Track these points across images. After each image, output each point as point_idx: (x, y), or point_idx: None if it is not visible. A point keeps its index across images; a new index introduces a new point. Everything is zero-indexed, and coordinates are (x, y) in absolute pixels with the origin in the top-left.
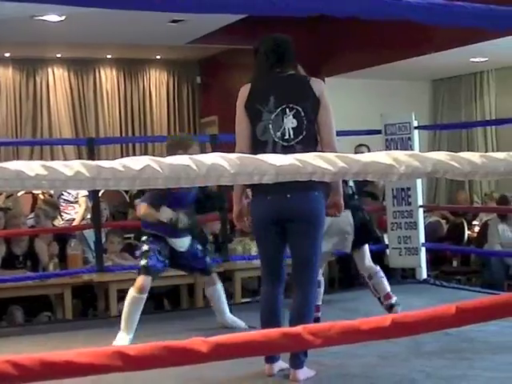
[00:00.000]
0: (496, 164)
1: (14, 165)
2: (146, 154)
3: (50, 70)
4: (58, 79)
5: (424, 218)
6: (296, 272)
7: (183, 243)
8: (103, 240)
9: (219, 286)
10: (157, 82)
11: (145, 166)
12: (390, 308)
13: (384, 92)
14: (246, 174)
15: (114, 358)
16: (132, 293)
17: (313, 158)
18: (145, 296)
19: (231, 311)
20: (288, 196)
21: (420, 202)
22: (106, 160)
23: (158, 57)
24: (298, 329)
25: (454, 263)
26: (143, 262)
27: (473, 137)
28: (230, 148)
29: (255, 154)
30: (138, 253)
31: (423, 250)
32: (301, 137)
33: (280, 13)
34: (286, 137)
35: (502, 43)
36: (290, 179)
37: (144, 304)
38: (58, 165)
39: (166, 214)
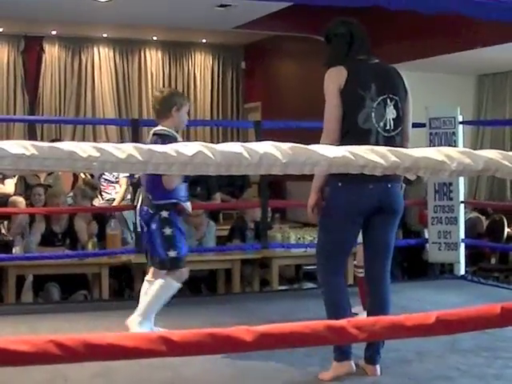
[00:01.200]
0: None
1: (66, 145)
2: (187, 137)
3: (95, 49)
4: (103, 59)
5: (464, 213)
6: (378, 261)
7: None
8: None
9: None
10: (201, 65)
11: (197, 151)
12: None
13: (429, 85)
14: (297, 164)
15: (158, 343)
16: (168, 281)
17: (365, 152)
18: (179, 285)
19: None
20: (389, 186)
21: (462, 198)
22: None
23: (204, 40)
24: (343, 322)
25: (493, 260)
26: (172, 253)
27: None
28: (272, 135)
29: (355, 141)
30: (158, 239)
31: (462, 245)
32: (400, 128)
33: (330, 2)
34: (388, 127)
35: None
36: (342, 171)
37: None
38: (110, 147)
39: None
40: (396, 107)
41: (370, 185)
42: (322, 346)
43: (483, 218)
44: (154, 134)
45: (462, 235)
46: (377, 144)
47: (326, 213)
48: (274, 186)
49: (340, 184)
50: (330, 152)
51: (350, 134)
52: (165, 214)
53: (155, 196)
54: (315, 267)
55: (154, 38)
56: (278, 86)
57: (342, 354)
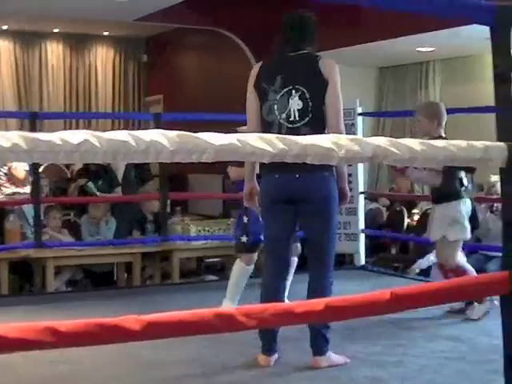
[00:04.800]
0: (435, 151)
1: None
2: (89, 130)
3: None
4: (3, 51)
5: (364, 204)
6: (312, 253)
7: None
8: (42, 216)
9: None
10: (103, 58)
11: (83, 140)
12: (468, 303)
13: None
14: (184, 151)
15: (45, 334)
16: (240, 263)
17: (253, 139)
18: (252, 267)
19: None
20: (297, 176)
21: (361, 189)
22: None
23: (106, 33)
24: (232, 310)
25: (393, 251)
26: (244, 238)
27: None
28: (173, 127)
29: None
30: (238, 223)
31: (362, 236)
32: (307, 119)
33: None
34: (291, 118)
35: (449, 34)
36: (230, 159)
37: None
38: None
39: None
40: (302, 98)
41: (275, 175)
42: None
43: (384, 209)
44: None
45: (362, 226)
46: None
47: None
48: (176, 178)
49: (261, 174)
50: (217, 140)
51: (261, 126)
52: None
53: None
54: (217, 260)
55: (56, 31)
56: (180, 78)
57: (263, 347)
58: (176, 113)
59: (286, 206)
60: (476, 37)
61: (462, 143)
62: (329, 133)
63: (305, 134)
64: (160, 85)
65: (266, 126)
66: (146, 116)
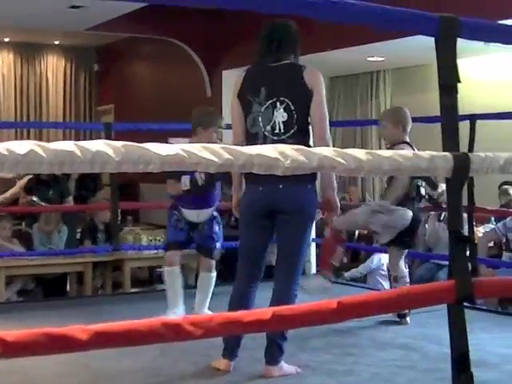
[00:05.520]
0: (381, 161)
1: None
2: (40, 139)
3: None
4: None
5: (317, 213)
6: (281, 262)
7: (198, 215)
8: None
9: (213, 275)
10: (54, 67)
11: (29, 150)
12: (403, 316)
13: None
14: (131, 162)
15: None
16: (165, 268)
17: (198, 149)
18: (176, 268)
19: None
20: (280, 187)
21: None
22: None
23: (57, 42)
24: (179, 319)
25: (344, 259)
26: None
27: (367, 135)
28: (124, 137)
29: (248, 145)
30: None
31: (313, 245)
32: (292, 131)
33: (175, 3)
34: (277, 131)
35: (399, 44)
36: (176, 169)
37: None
38: None
39: (185, 181)
40: (287, 110)
41: (260, 187)
42: (176, 347)
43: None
44: None
45: (313, 235)
46: None
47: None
48: (127, 188)
49: (244, 186)
50: (163, 150)
51: (246, 138)
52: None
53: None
54: None
55: (6, 40)
56: (131, 88)
57: (224, 351)
58: (127, 123)
59: (267, 218)
60: (424, 47)
61: (408, 153)
62: (315, 145)
63: None
64: (111, 94)
65: (251, 138)
66: (96, 126)
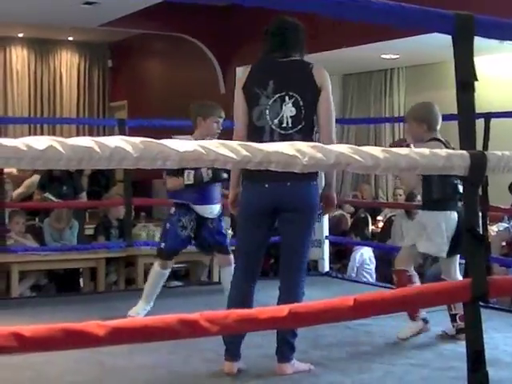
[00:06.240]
0: (398, 159)
1: None
2: (53, 135)
3: None
4: None
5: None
6: (286, 260)
7: (211, 209)
8: (6, 220)
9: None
10: (68, 63)
11: (48, 146)
12: (460, 330)
13: None
14: (149, 158)
15: (9, 339)
16: (156, 267)
17: (216, 146)
18: (167, 272)
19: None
20: (288, 184)
21: None
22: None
23: (71, 38)
24: (196, 315)
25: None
26: (161, 244)
27: (381, 133)
28: (138, 133)
29: (252, 139)
30: (160, 231)
31: (326, 242)
32: (300, 126)
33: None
34: (284, 125)
35: (413, 41)
36: (194, 165)
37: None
38: None
39: (189, 175)
40: (296, 105)
41: (265, 184)
42: (185, 344)
43: (348, 215)
44: None
45: (326, 232)
46: (272, 141)
47: (238, 211)
48: (140, 184)
49: (244, 183)
50: (181, 146)
51: (249, 131)
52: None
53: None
54: (181, 265)
55: (20, 35)
56: (145, 84)
57: (226, 353)
58: (140, 119)
59: (269, 216)
60: (440, 44)
61: (425, 151)
62: (321, 142)
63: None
64: (125, 90)
65: (257, 131)
66: (110, 121)
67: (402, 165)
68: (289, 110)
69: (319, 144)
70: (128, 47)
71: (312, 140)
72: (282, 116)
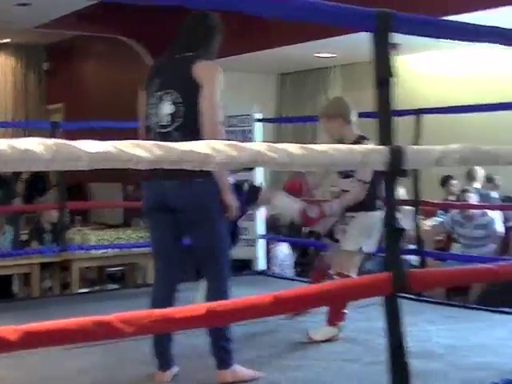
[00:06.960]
0: (315, 155)
1: None
2: None
3: None
4: None
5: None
6: (201, 263)
7: None
8: None
9: None
10: (3, 65)
11: None
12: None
13: (229, 84)
14: (60, 160)
15: None
16: None
17: (129, 146)
18: None
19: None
20: (162, 183)
21: None
22: None
23: (6, 40)
24: (111, 317)
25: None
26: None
27: (317, 131)
28: (73, 136)
29: (147, 140)
30: None
31: (261, 241)
32: (176, 124)
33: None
34: (163, 123)
35: (349, 40)
36: (106, 166)
37: None
38: None
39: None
40: (175, 102)
41: (145, 182)
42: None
43: None
44: None
45: (261, 231)
46: (155, 140)
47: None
48: (76, 187)
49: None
50: (93, 147)
51: (145, 132)
52: None
53: None
54: (118, 268)
55: None
56: (81, 86)
57: (158, 362)
58: (76, 121)
59: (163, 214)
60: None
61: (343, 147)
62: (204, 139)
63: (175, 140)
64: (61, 93)
65: (147, 132)
66: (44, 124)
67: (319, 161)
68: (167, 107)
69: (235, 142)
70: (64, 49)
71: (196, 138)
72: (162, 114)
